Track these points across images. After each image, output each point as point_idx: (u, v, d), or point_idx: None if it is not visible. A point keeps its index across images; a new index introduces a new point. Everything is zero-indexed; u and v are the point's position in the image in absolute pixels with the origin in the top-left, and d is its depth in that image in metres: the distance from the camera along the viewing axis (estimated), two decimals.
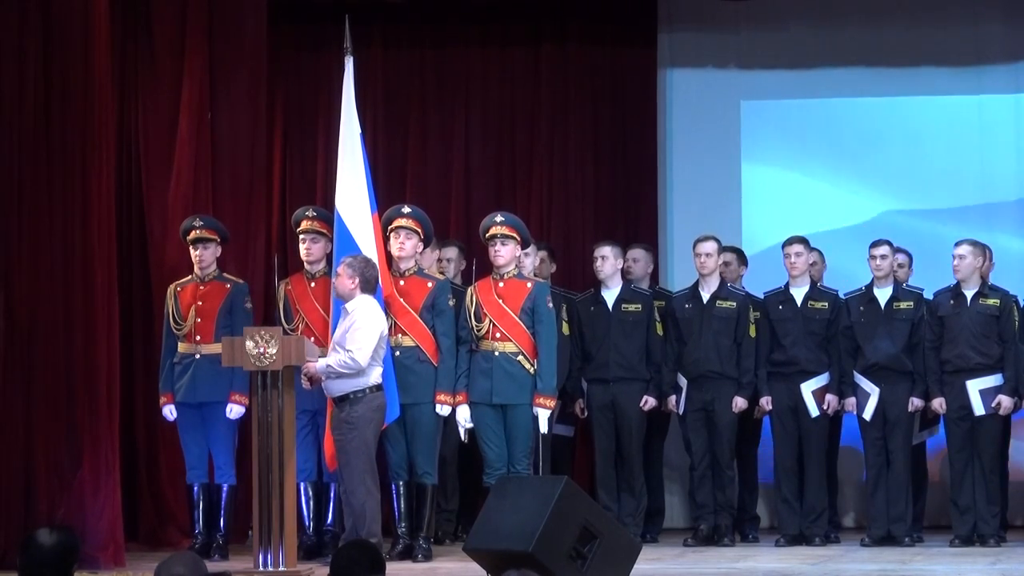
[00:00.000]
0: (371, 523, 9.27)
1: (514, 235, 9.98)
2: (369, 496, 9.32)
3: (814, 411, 10.73)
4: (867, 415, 10.66)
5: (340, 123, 10.15)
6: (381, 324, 9.48)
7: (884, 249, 10.76)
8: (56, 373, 9.08)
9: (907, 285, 10.93)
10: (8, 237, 9.13)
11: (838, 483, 11.28)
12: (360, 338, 9.31)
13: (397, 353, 9.85)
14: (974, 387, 10.52)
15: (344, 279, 9.43)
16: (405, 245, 10.01)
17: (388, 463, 10.03)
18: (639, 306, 10.99)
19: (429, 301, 9.96)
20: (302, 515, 9.94)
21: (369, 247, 9.83)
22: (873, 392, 10.65)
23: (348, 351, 9.27)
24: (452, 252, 11.18)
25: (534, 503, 7.77)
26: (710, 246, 10.88)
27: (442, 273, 10.66)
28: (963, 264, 10.57)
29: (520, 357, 9.92)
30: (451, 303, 10.03)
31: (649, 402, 10.93)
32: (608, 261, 10.96)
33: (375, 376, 9.43)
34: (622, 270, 11.12)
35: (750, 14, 12.29)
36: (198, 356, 10.19)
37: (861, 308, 10.76)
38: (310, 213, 10.29)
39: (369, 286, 9.50)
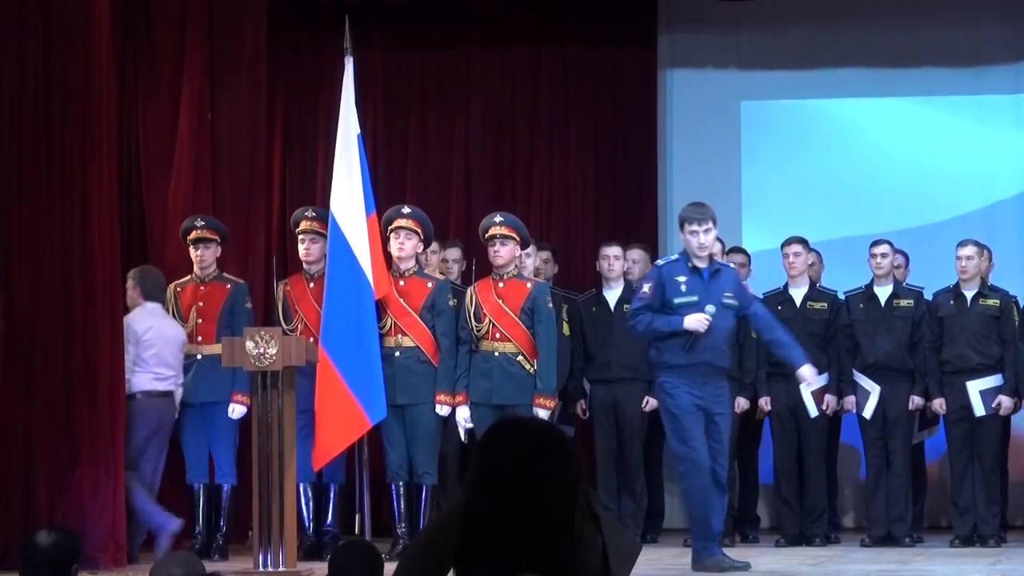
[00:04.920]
0: None
1: (513, 235, 9.97)
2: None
3: (813, 411, 10.73)
4: (867, 414, 10.66)
5: (338, 123, 10.13)
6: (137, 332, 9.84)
7: (884, 248, 10.77)
8: (56, 373, 9.07)
9: (907, 284, 10.94)
10: (8, 237, 9.11)
11: (838, 483, 11.28)
12: None
13: (397, 354, 9.86)
14: (974, 388, 10.52)
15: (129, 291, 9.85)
16: (405, 245, 10.01)
17: (387, 463, 10.04)
18: None
19: (429, 301, 9.97)
20: (302, 515, 9.94)
21: (363, 248, 9.81)
22: (873, 391, 10.65)
23: None
24: (455, 253, 11.18)
25: None
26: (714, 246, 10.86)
27: (443, 274, 10.65)
28: (970, 265, 10.57)
29: (520, 357, 9.91)
30: (451, 303, 10.03)
31: (651, 403, 10.93)
32: (619, 261, 10.97)
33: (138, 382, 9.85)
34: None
35: (750, 15, 12.30)
36: (200, 356, 10.18)
37: (861, 306, 10.76)
38: (309, 213, 10.29)
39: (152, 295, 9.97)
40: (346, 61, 10.13)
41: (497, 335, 9.93)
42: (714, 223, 9.14)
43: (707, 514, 9.06)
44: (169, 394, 10.01)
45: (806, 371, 9.23)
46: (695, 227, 9.09)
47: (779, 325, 9.39)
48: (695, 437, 9.03)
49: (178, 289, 10.32)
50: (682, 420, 9.07)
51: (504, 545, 3.54)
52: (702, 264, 9.14)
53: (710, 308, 9.03)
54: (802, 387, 10.64)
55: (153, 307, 10.09)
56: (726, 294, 9.12)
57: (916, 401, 10.65)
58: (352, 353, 9.70)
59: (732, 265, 9.80)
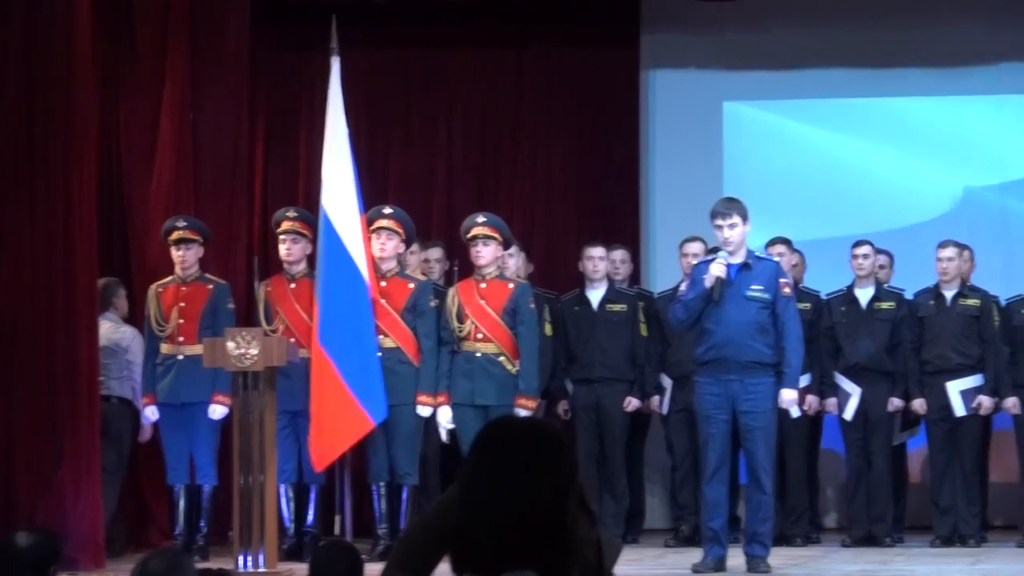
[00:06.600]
0: None
1: (496, 236, 9.97)
2: None
3: (795, 412, 10.74)
4: (848, 415, 10.69)
5: (325, 123, 10.08)
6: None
7: (866, 249, 10.79)
8: (37, 374, 9.06)
9: (888, 286, 10.96)
10: None
11: (819, 484, 11.29)
12: None
13: (378, 354, 9.85)
14: (954, 388, 10.54)
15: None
16: (386, 246, 10.00)
17: (368, 464, 10.03)
18: (624, 306, 11.00)
19: (410, 302, 9.96)
20: (282, 516, 9.92)
21: (357, 247, 9.77)
22: (854, 392, 10.67)
23: None
24: (437, 253, 11.18)
25: None
26: (697, 247, 10.85)
27: (424, 275, 10.65)
28: (951, 266, 10.61)
29: (502, 358, 9.91)
30: (433, 304, 10.02)
31: (632, 403, 10.94)
32: (603, 262, 10.99)
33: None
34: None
35: (733, 15, 12.30)
36: (181, 357, 10.17)
37: (842, 308, 10.78)
38: (291, 214, 10.28)
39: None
40: (332, 61, 10.08)
41: (479, 336, 9.93)
42: (743, 218, 9.09)
43: (706, 515, 9.16)
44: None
45: (784, 394, 9.20)
46: (719, 221, 9.14)
47: (792, 340, 9.12)
48: (707, 441, 9.12)
49: (159, 290, 10.30)
50: (699, 422, 9.24)
51: (500, 541, 3.60)
52: (734, 260, 9.11)
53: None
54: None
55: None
56: (753, 287, 9.08)
57: (895, 404, 10.67)
58: (351, 353, 9.66)
59: (775, 259, 9.63)
